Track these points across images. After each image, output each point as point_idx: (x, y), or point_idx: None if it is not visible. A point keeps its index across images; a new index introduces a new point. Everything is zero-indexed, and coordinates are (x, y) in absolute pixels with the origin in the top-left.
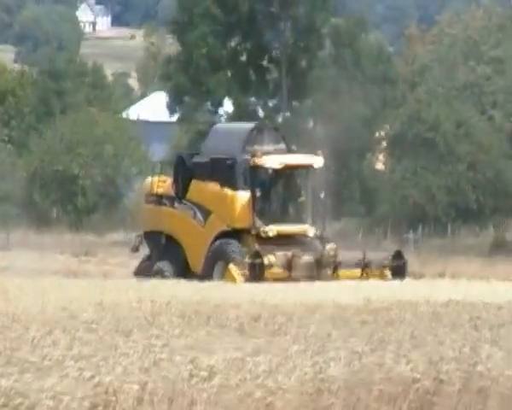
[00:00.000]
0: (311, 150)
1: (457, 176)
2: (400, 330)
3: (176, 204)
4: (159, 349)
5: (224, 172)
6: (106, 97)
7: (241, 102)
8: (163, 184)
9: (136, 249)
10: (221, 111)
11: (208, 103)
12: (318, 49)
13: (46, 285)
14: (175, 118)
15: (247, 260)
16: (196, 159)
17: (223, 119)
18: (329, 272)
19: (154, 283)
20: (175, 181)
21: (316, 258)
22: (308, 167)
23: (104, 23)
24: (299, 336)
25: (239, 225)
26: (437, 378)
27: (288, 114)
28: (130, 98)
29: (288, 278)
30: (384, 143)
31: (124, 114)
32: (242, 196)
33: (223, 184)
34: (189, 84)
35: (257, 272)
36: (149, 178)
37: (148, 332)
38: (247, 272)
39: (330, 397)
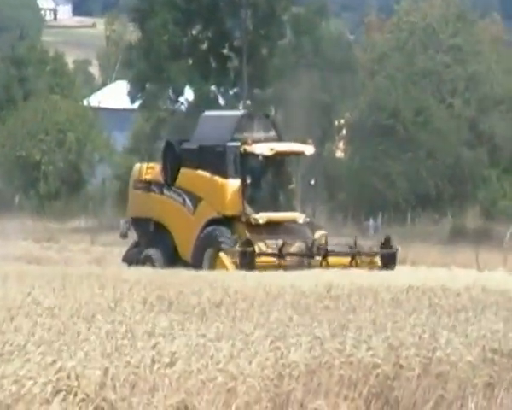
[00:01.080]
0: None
1: (417, 163)
2: (361, 317)
3: (165, 191)
4: (121, 335)
5: (214, 159)
6: (67, 85)
7: (201, 89)
8: (151, 170)
9: (124, 236)
10: (182, 99)
11: (169, 91)
12: (279, 37)
13: (9, 271)
14: (136, 106)
15: (238, 248)
16: (186, 145)
17: (183, 107)
18: (319, 259)
19: (117, 269)
20: (164, 168)
21: (306, 246)
22: (299, 155)
23: (65, 11)
24: (261, 322)
25: (229, 212)
26: (397, 364)
27: (248, 102)
28: (91, 86)
29: (278, 266)
30: (344, 131)
31: (85, 102)
32: (233, 184)
33: (213, 172)
34: (150, 71)
35: (248, 260)
36: (138, 165)
37: (110, 318)
38: (237, 260)
39: (291, 382)
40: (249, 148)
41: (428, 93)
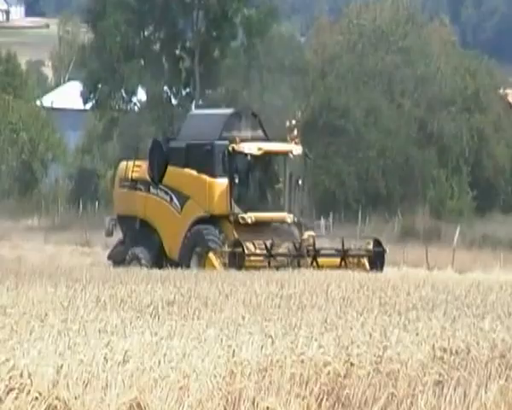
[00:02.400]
0: None
1: (367, 163)
2: (312, 315)
3: (151, 189)
4: (74, 333)
5: (201, 157)
6: (20, 85)
7: (154, 90)
8: (138, 168)
9: (110, 234)
10: (134, 99)
11: (122, 91)
12: (230, 38)
13: None
14: (89, 106)
15: (227, 248)
16: (173, 144)
17: (136, 107)
18: (308, 260)
19: (69, 267)
20: (150, 166)
21: (294, 246)
22: (287, 154)
23: (18, 12)
24: (213, 320)
25: (217, 211)
26: (348, 362)
27: (200, 102)
28: (44, 86)
29: (267, 267)
30: (295, 131)
31: (38, 102)
32: (220, 183)
33: (200, 170)
34: (102, 72)
35: (237, 261)
36: (124, 163)
37: (63, 316)
38: (226, 260)
39: (243, 380)
40: (237, 147)
41: (378, 94)
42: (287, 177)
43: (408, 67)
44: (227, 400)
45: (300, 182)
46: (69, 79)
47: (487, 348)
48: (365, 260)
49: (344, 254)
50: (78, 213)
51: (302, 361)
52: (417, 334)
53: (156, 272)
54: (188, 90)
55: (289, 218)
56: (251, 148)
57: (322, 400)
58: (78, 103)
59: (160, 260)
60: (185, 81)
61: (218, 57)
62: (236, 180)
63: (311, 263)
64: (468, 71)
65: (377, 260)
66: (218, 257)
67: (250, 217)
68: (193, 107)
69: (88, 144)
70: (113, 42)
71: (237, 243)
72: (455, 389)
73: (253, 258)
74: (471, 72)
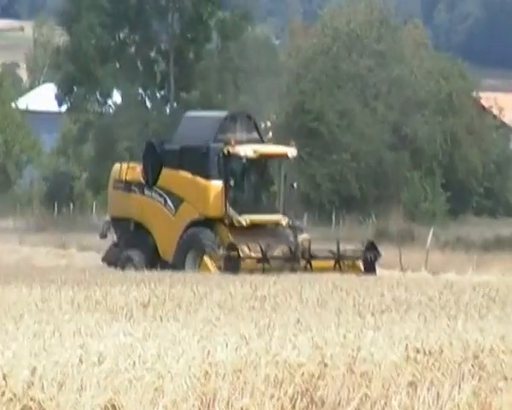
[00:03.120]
0: None
1: (341, 165)
2: (286, 316)
3: (146, 191)
4: (49, 335)
5: (196, 160)
6: None
7: (129, 92)
8: (132, 170)
9: (104, 236)
10: (110, 101)
11: (97, 93)
12: (205, 41)
13: None
14: (64, 109)
15: (223, 252)
16: (167, 146)
17: (111, 109)
18: (303, 263)
19: (44, 269)
20: (145, 168)
21: (290, 250)
22: (282, 157)
23: None
24: (188, 321)
25: (212, 214)
26: (322, 363)
27: (175, 104)
28: (19, 89)
29: (262, 270)
30: (270, 134)
31: (13, 104)
32: (215, 185)
33: (195, 173)
34: (77, 74)
35: (232, 265)
36: (118, 164)
37: (38, 317)
38: (222, 264)
39: (218, 381)
40: (233, 149)
41: (352, 97)
42: (281, 179)
43: (382, 71)
44: (202, 400)
45: (295, 185)
46: (44, 82)
47: (460, 349)
48: (360, 263)
49: (338, 257)
50: (54, 215)
51: (276, 362)
52: (391, 335)
53: (131, 273)
54: (163, 92)
55: (284, 220)
56: (246, 150)
57: (296, 401)
58: (53, 106)
59: (154, 262)
60: (160, 84)
61: (192, 60)
62: (231, 183)
63: (306, 266)
64: (442, 74)
65: (371, 263)
66: (214, 261)
67: (245, 219)
68: (167, 109)
69: (63, 147)
70: (88, 44)
71: (233, 247)
72: (428, 390)
73: (248, 261)
74: (444, 75)
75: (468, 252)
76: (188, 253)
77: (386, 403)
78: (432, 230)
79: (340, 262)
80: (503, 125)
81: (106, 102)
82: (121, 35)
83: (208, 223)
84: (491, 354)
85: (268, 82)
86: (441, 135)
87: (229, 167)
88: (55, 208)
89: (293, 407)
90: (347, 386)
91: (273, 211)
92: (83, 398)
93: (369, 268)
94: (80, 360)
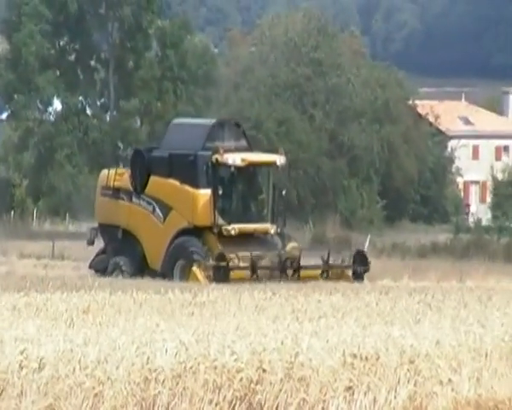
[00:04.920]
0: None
1: (279, 173)
2: (225, 322)
3: (134, 198)
4: None
5: (184, 168)
6: None
7: (69, 100)
8: (120, 177)
9: (91, 243)
10: (50, 109)
11: (37, 101)
12: (145, 49)
13: None
14: (4, 116)
15: (212, 262)
16: (155, 153)
17: (51, 117)
18: (290, 272)
19: None
20: (133, 175)
21: (279, 259)
22: (270, 165)
23: None
24: (128, 327)
25: (201, 222)
26: (260, 368)
27: (115, 113)
28: None
29: (251, 279)
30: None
31: None
32: (204, 194)
33: (183, 181)
34: (18, 82)
35: (221, 275)
36: (105, 171)
37: None
38: (211, 273)
39: (157, 386)
40: (221, 158)
41: (290, 105)
42: (270, 187)
43: (319, 79)
44: (141, 406)
45: (284, 193)
46: None
47: (396, 354)
48: (349, 272)
49: (327, 266)
50: None
51: (215, 368)
52: (328, 341)
53: (72, 280)
54: (102, 100)
55: (272, 229)
56: (235, 159)
57: (235, 406)
58: None
59: (142, 269)
60: (100, 92)
61: (132, 68)
62: (220, 191)
63: (293, 275)
64: (378, 82)
65: (360, 272)
66: (202, 270)
67: (233, 228)
68: (107, 117)
69: (3, 154)
70: (29, 52)
71: (222, 257)
72: (365, 395)
73: (236, 271)
74: (381, 83)
75: (404, 258)
76: (176, 262)
77: (323, 408)
78: (369, 237)
79: (328, 271)
80: (439, 132)
81: (46, 110)
82: (61, 43)
83: (197, 232)
84: (426, 359)
85: (207, 90)
86: (378, 143)
87: (218, 176)
88: None
89: None
90: (285, 391)
91: (262, 219)
92: (23, 404)
93: (358, 276)
94: (21, 367)
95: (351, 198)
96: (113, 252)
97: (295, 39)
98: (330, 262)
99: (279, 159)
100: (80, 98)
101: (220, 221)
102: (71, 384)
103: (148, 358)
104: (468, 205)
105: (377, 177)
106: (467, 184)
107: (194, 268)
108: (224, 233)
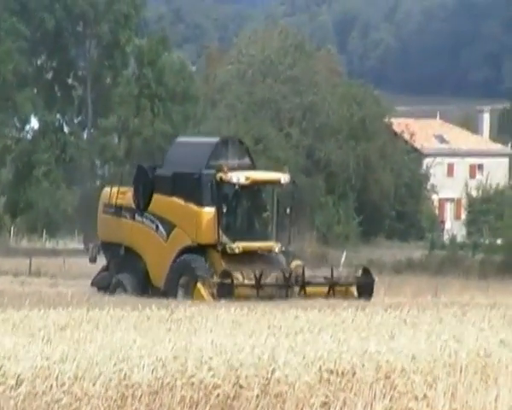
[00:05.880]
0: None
1: None
2: (202, 338)
3: (137, 216)
4: None
5: (188, 186)
6: None
7: (46, 118)
8: (123, 195)
9: (93, 260)
10: (27, 127)
11: (15, 119)
12: (122, 67)
13: None
14: None
15: (216, 279)
16: (159, 171)
17: (29, 135)
18: (296, 289)
19: None
20: (136, 193)
21: (284, 276)
22: (275, 183)
23: None
24: (105, 344)
25: (204, 241)
26: (237, 384)
27: (92, 130)
28: None
29: (256, 297)
30: None
31: None
32: (208, 212)
33: (187, 199)
34: None
35: (226, 292)
36: (107, 188)
37: None
38: (215, 290)
39: (134, 402)
40: (225, 176)
41: (267, 122)
42: (274, 205)
43: (296, 96)
44: None
45: (288, 210)
46: None
47: (372, 370)
48: (354, 289)
49: (332, 283)
50: None
51: (192, 384)
52: (304, 356)
53: (49, 296)
54: (80, 117)
55: (277, 247)
56: (239, 177)
57: None
58: None
59: (145, 287)
60: (77, 109)
61: (110, 85)
62: (224, 209)
63: (299, 292)
64: (355, 100)
65: (366, 289)
66: (207, 287)
67: (238, 247)
68: (85, 134)
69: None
70: (6, 70)
71: (226, 274)
72: None
73: (241, 288)
74: (357, 101)
75: (379, 274)
76: (180, 279)
77: None
78: (345, 252)
79: (333, 288)
80: (414, 150)
81: (23, 128)
82: (39, 61)
83: (200, 250)
84: (402, 374)
85: (184, 107)
86: (354, 159)
87: (222, 194)
88: None
89: None
90: (262, 407)
91: (266, 237)
92: None
93: (365, 293)
94: None
95: (327, 214)
96: (116, 269)
97: (272, 57)
98: (335, 279)
99: (283, 177)
100: (58, 116)
101: (224, 239)
102: (48, 401)
103: (126, 374)
104: (443, 222)
105: (353, 193)
106: (442, 202)
107: (199, 285)
108: (228, 251)
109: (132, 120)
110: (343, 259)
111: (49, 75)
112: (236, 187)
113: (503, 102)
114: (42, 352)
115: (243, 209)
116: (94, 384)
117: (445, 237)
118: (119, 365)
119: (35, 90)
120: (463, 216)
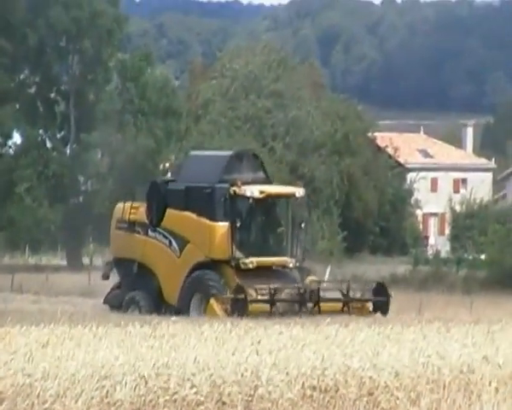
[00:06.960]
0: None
1: None
2: (184, 355)
3: (149, 232)
4: None
5: (201, 201)
6: None
7: (29, 133)
8: (135, 210)
9: (106, 277)
10: (10, 142)
11: None
12: (105, 82)
13: None
14: None
15: (230, 295)
16: (171, 186)
17: (11, 150)
18: (310, 305)
19: None
20: (149, 208)
21: (298, 292)
22: (289, 197)
23: None
24: (87, 361)
25: (218, 256)
26: (220, 401)
27: (75, 145)
28: None
29: (270, 313)
30: (169, 174)
31: None
32: (221, 226)
33: (200, 214)
34: None
35: (240, 308)
36: (120, 204)
37: None
38: (228, 307)
39: None
40: (239, 190)
41: (251, 137)
42: (289, 220)
43: (279, 111)
44: None
45: (303, 225)
46: None
47: (355, 386)
48: (369, 305)
49: (347, 299)
50: None
51: (175, 401)
52: (288, 373)
53: (31, 314)
54: (63, 133)
55: (291, 262)
56: (253, 191)
57: None
58: None
59: (158, 304)
60: (60, 125)
61: (93, 101)
62: (238, 224)
63: (313, 308)
64: (338, 115)
65: (381, 305)
66: (220, 303)
67: (251, 262)
68: (67, 150)
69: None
70: None
71: (240, 289)
72: None
73: (255, 304)
74: (341, 116)
75: None
76: (193, 296)
77: None
78: (329, 268)
79: (348, 305)
80: (398, 165)
81: (6, 144)
82: (21, 76)
83: (214, 265)
84: (385, 390)
85: (167, 123)
86: (338, 175)
87: (236, 208)
88: None
89: None
90: None
91: (280, 253)
92: None
93: (381, 309)
94: None
95: (311, 230)
96: (129, 286)
97: (255, 72)
98: (351, 296)
99: (298, 191)
100: (40, 131)
101: (238, 254)
102: None
103: (108, 391)
104: (426, 237)
105: (337, 208)
106: (426, 217)
107: (212, 301)
108: (242, 267)
109: (115, 136)
110: (327, 274)
111: (32, 90)
112: (250, 201)
113: (487, 117)
114: (23, 369)
115: (257, 224)
116: (76, 402)
117: (429, 253)
118: (101, 382)
119: (17, 106)
120: (447, 231)
